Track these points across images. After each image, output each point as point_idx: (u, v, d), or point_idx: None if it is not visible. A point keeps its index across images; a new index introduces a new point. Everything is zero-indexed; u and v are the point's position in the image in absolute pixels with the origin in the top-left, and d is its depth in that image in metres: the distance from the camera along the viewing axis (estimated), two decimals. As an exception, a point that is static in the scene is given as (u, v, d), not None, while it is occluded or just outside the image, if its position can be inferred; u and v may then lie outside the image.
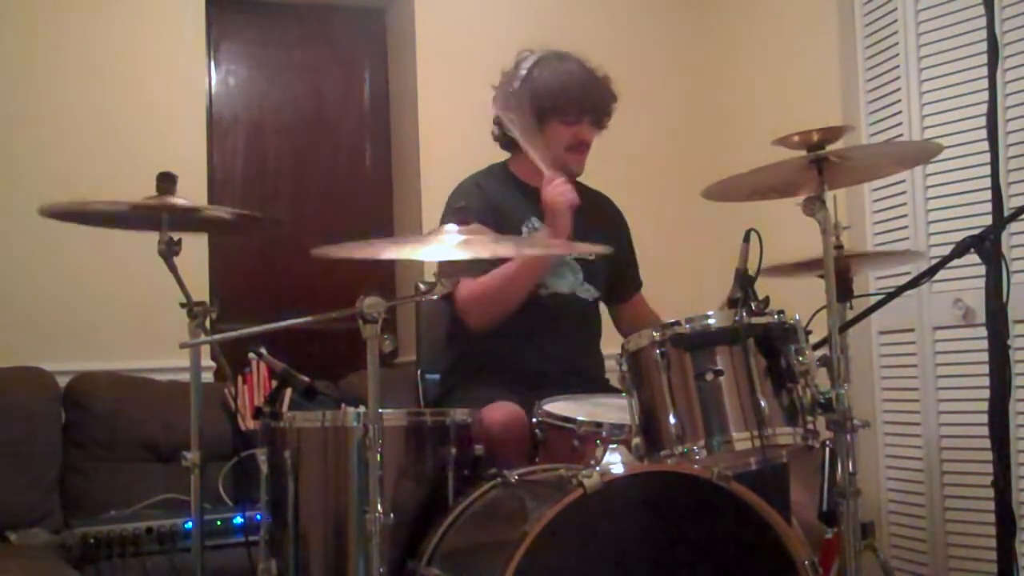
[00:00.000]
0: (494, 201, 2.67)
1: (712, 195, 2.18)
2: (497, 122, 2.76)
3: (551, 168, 2.61)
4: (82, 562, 2.72)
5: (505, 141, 2.78)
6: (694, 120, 4.16)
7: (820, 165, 2.00)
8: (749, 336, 1.93)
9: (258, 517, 2.19)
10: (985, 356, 2.15)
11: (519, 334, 2.61)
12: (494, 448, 2.23)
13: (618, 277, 2.85)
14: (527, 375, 2.57)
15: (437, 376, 2.83)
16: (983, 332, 2.17)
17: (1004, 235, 2.44)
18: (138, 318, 3.44)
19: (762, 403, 1.90)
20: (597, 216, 2.81)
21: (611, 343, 2.80)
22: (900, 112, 3.17)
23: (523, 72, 2.69)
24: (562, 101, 2.65)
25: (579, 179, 2.86)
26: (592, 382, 2.63)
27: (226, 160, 4.06)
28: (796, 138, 2.00)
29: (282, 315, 1.99)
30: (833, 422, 1.92)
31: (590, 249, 2.27)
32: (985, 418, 2.14)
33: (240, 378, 3.25)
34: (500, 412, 2.32)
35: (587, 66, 2.72)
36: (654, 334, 1.97)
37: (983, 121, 2.28)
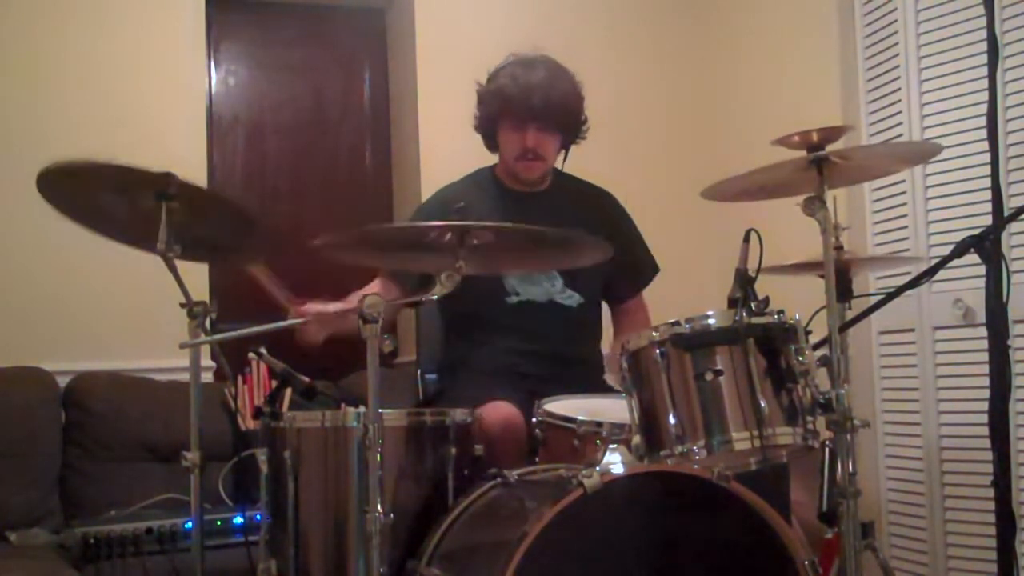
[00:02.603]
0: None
1: (711, 195, 2.18)
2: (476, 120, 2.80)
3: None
4: (82, 562, 2.72)
5: (485, 142, 2.80)
6: (694, 120, 4.16)
7: (820, 165, 2.00)
8: (749, 336, 1.93)
9: (258, 517, 2.20)
10: (985, 356, 2.15)
11: (502, 339, 2.63)
12: (492, 447, 2.23)
13: (612, 278, 2.80)
14: (521, 375, 2.57)
15: (435, 376, 2.84)
16: (983, 332, 2.16)
17: (1004, 235, 2.44)
18: (138, 318, 3.44)
19: (762, 403, 1.90)
20: (588, 216, 2.76)
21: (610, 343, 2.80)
22: (900, 112, 3.17)
23: (491, 76, 2.74)
24: (506, 106, 2.66)
25: (578, 175, 2.85)
26: (590, 387, 2.62)
27: (226, 160, 4.06)
28: (796, 138, 2.01)
29: (282, 315, 1.99)
30: (833, 422, 1.92)
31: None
32: (985, 418, 2.14)
33: (240, 378, 3.26)
34: (498, 412, 2.32)
35: (552, 73, 2.67)
36: (654, 334, 1.97)
37: (983, 121, 2.27)
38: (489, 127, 2.75)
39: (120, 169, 2.07)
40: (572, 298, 2.71)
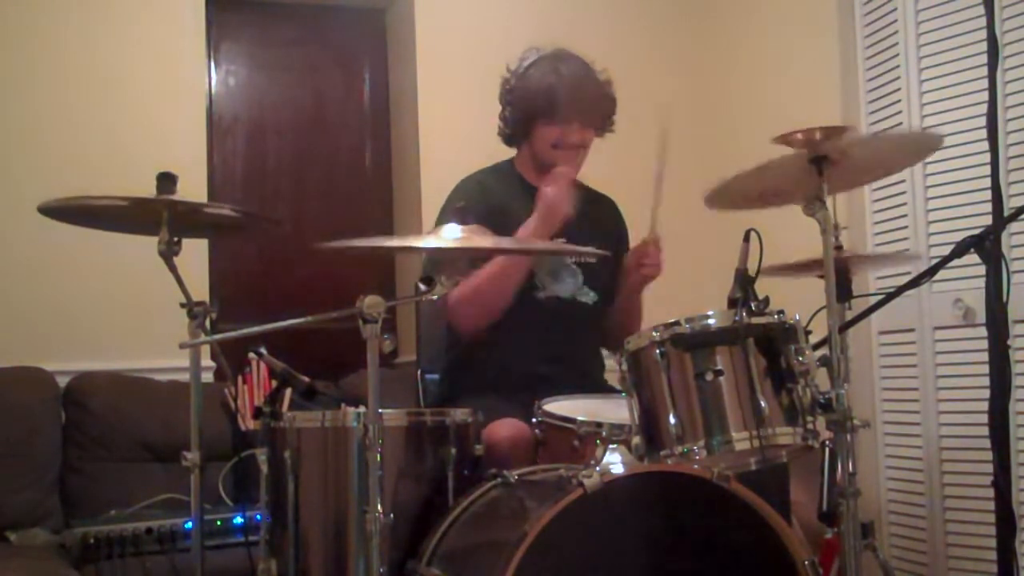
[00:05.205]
0: (497, 202, 2.65)
1: (713, 202, 2.16)
2: (501, 118, 2.77)
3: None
4: (82, 562, 2.72)
5: (508, 137, 2.78)
6: (694, 120, 4.15)
7: (820, 165, 1.99)
8: (749, 336, 1.93)
9: (258, 517, 2.19)
10: (985, 356, 2.15)
11: (518, 337, 2.60)
12: (499, 463, 2.21)
13: (614, 281, 2.81)
14: (527, 378, 2.56)
15: (437, 376, 2.83)
16: (983, 332, 2.16)
17: (1004, 235, 2.44)
18: (138, 318, 3.45)
19: (762, 403, 1.90)
20: (597, 219, 2.80)
21: (611, 343, 2.80)
22: (900, 112, 3.17)
23: (520, 71, 2.71)
24: (547, 103, 2.64)
25: (582, 180, 2.85)
26: (592, 386, 2.62)
27: (226, 160, 4.06)
28: (798, 136, 2.00)
29: (282, 315, 1.98)
30: (833, 422, 1.92)
31: (582, 251, 2.29)
32: (985, 418, 2.14)
33: (240, 378, 3.26)
34: (506, 429, 2.31)
35: (587, 69, 2.70)
36: (654, 334, 1.97)
37: (983, 121, 2.27)
38: (524, 123, 2.70)
39: (119, 199, 2.09)
40: (589, 296, 2.72)
